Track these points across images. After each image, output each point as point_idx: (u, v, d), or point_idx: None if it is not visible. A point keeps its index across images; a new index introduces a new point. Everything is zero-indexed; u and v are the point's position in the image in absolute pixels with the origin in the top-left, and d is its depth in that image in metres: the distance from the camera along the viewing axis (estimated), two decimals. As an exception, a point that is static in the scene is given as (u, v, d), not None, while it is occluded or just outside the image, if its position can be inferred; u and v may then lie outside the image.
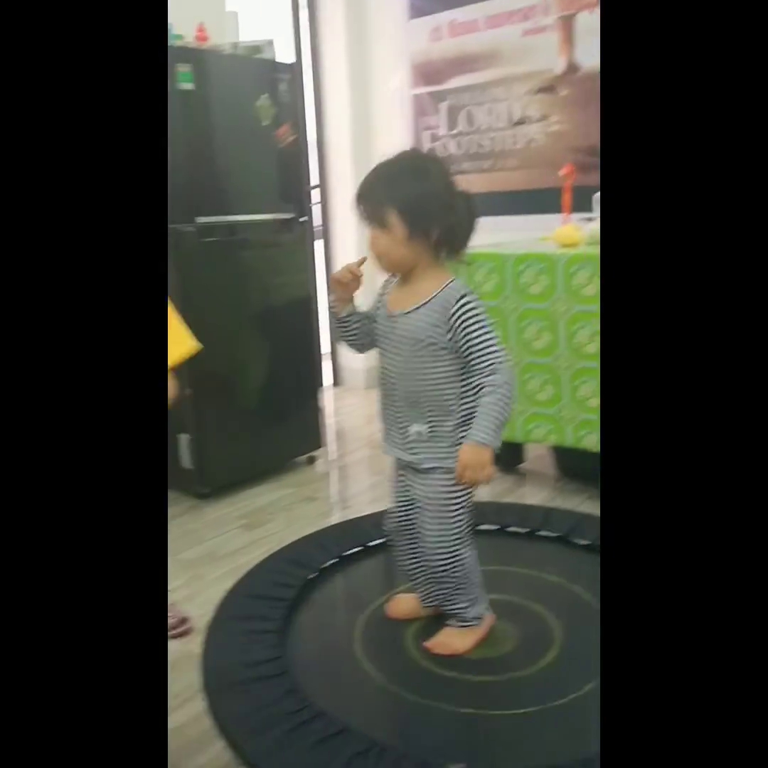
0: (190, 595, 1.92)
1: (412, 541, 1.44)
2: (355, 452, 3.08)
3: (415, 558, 1.45)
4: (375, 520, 1.88)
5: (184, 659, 1.64)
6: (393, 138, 3.61)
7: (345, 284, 1.33)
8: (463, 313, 1.25)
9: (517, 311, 2.35)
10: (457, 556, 1.35)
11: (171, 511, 2.47)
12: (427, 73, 3.45)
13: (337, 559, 1.69)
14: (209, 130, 2.36)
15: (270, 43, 2.55)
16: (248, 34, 2.73)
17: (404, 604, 1.52)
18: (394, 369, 1.33)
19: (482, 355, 1.25)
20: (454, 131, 3.42)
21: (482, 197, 3.25)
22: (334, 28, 3.60)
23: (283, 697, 1.20)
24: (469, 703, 1.24)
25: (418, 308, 1.29)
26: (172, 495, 2.59)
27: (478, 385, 1.26)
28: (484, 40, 3.22)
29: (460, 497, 1.34)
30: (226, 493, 2.59)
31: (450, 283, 1.29)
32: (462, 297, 1.26)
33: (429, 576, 1.42)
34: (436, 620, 1.45)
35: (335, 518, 2.39)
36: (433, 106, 3.47)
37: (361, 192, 1.29)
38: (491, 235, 2.80)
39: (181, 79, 2.24)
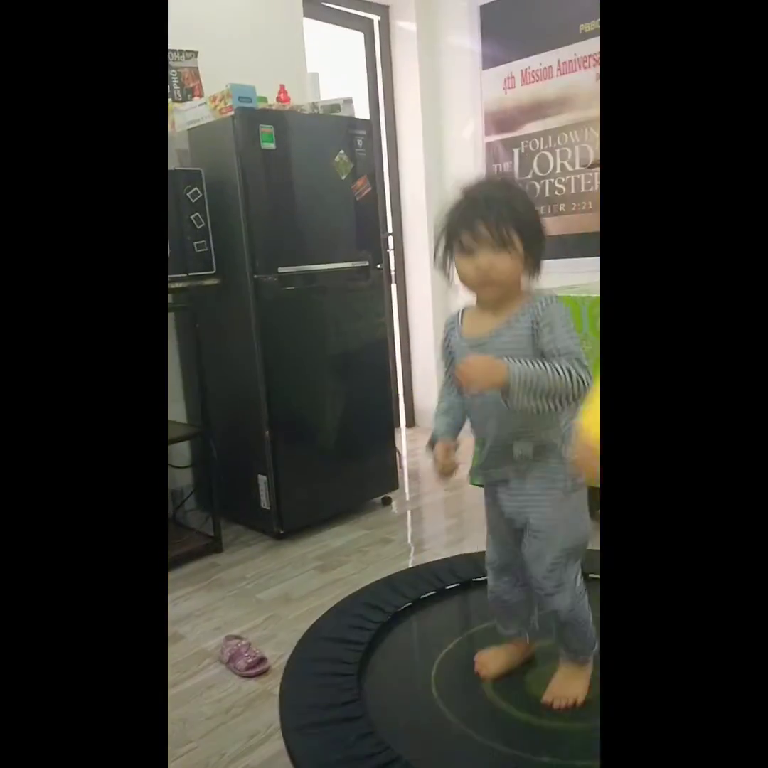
0: (267, 635, 1.96)
1: (515, 576, 1.43)
2: (431, 494, 3.08)
3: (522, 590, 1.43)
4: (450, 564, 1.88)
5: (262, 698, 1.67)
6: (466, 184, 3.68)
7: (449, 472, 1.37)
8: (549, 313, 1.24)
9: (595, 353, 2.33)
10: (569, 582, 1.33)
11: (250, 551, 2.54)
12: (501, 120, 3.51)
13: (411, 603, 1.70)
14: (289, 186, 2.49)
15: (348, 100, 2.67)
16: (329, 93, 2.87)
17: (494, 661, 1.48)
18: (489, 394, 1.27)
19: (562, 354, 1.22)
20: (528, 176, 3.45)
21: (557, 240, 3.28)
22: (409, 81, 3.73)
23: (360, 740, 1.20)
24: (550, 751, 1.21)
25: (508, 326, 1.27)
26: (250, 535, 2.66)
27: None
28: (557, 86, 3.26)
29: (572, 517, 1.32)
30: (303, 533, 2.64)
31: (532, 299, 1.29)
32: (546, 301, 1.26)
33: (543, 605, 1.40)
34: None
35: (411, 561, 2.39)
36: (506, 152, 3.52)
37: (473, 214, 1.24)
38: (566, 276, 2.80)
39: (264, 140, 2.38)
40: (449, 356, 1.40)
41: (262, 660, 1.79)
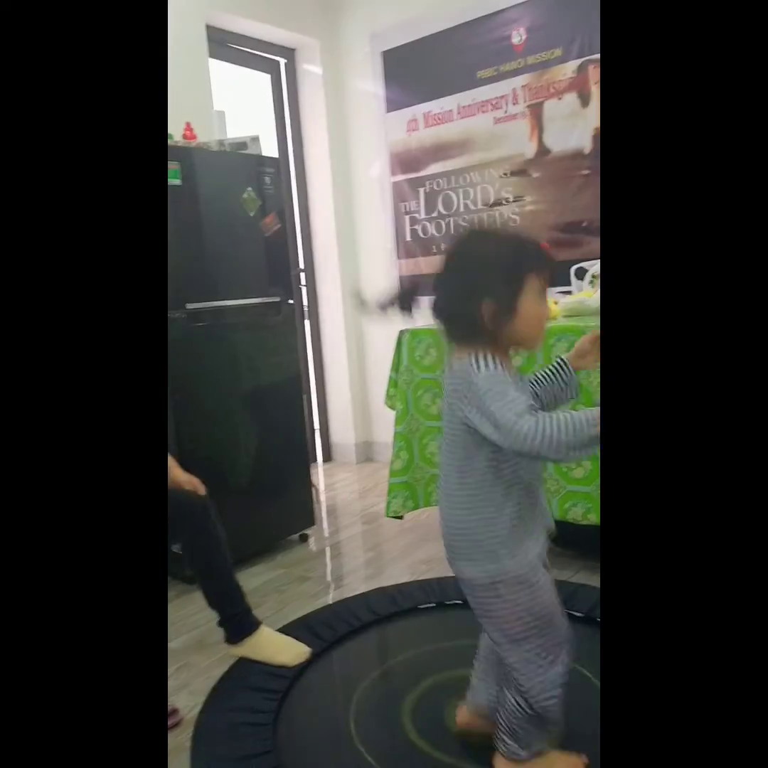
0: (179, 685, 1.87)
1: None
2: (348, 528, 3.06)
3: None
4: (368, 599, 1.87)
5: (174, 752, 1.59)
6: (374, 222, 3.76)
7: None
8: None
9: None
10: None
11: (161, 597, 2.44)
12: (406, 161, 3.62)
13: (328, 644, 1.67)
14: (197, 222, 2.46)
15: (255, 139, 2.69)
16: (235, 131, 2.89)
17: (473, 715, 1.34)
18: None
19: None
20: (434, 214, 3.56)
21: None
22: (316, 121, 3.80)
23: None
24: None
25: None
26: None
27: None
28: (458, 129, 3.40)
29: None
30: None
31: None
32: None
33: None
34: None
35: (330, 598, 2.36)
36: (412, 191, 3.62)
37: (538, 260, 1.14)
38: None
39: (170, 176, 2.35)
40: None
41: (174, 711, 1.71)
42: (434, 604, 1.84)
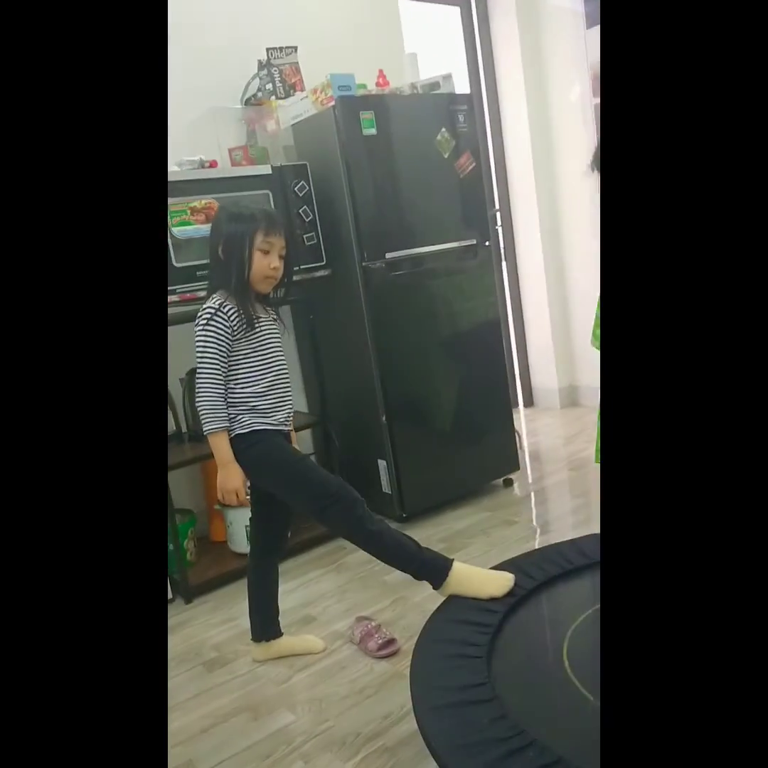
0: (395, 617, 1.98)
1: None
2: (554, 474, 3.00)
3: None
4: (577, 545, 1.81)
5: (394, 679, 1.69)
6: (575, 151, 3.53)
7: None
8: None
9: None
10: None
11: (374, 534, 2.57)
12: (609, 79, 3.33)
13: (539, 584, 1.66)
14: (393, 171, 2.48)
15: (447, 77, 2.62)
16: (428, 71, 2.83)
17: None
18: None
19: None
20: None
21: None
22: (509, 50, 3.61)
23: (494, 723, 1.19)
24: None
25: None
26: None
27: None
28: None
29: None
30: (425, 516, 2.64)
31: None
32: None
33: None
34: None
35: (536, 543, 2.34)
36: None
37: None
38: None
39: (365, 126, 2.38)
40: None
41: (391, 641, 1.82)
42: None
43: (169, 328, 2.30)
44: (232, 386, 1.64)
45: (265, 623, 1.86)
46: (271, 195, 2.32)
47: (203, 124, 2.64)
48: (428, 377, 2.64)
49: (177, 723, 1.66)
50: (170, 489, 2.21)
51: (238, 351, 1.63)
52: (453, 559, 1.65)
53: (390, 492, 2.61)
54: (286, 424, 1.72)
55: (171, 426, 2.43)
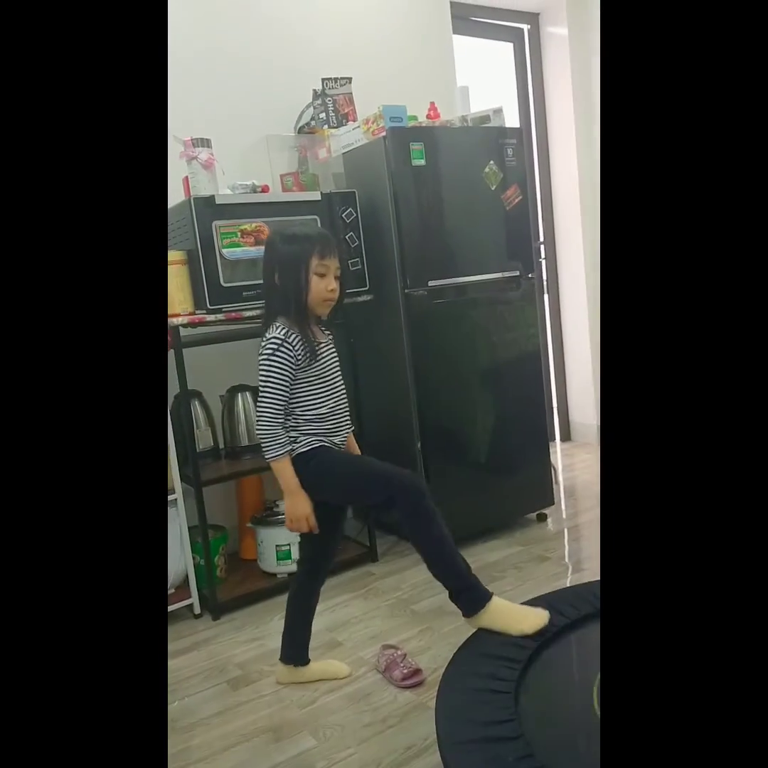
0: (422, 647, 1.96)
1: None
2: (589, 511, 2.95)
3: None
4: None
5: (418, 710, 1.67)
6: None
7: None
8: None
9: None
10: None
11: (404, 561, 2.56)
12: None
13: (570, 623, 1.62)
14: (439, 201, 2.51)
15: (498, 111, 2.66)
16: (479, 104, 2.87)
17: None
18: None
19: None
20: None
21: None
22: (560, 86, 3.65)
23: (519, 761, 1.16)
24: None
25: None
26: (403, 545, 2.69)
27: None
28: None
29: None
30: (458, 546, 2.61)
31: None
32: None
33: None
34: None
35: (568, 580, 2.29)
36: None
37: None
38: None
39: (414, 157, 2.42)
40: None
41: (417, 671, 1.80)
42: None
43: (214, 346, 2.35)
44: (294, 410, 1.65)
45: (295, 647, 1.85)
46: (319, 220, 2.37)
47: (257, 151, 2.72)
48: (466, 406, 2.63)
49: (198, 739, 1.67)
50: (204, 504, 2.24)
51: (301, 379, 1.64)
52: (493, 593, 1.63)
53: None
54: (343, 444, 1.74)
55: (209, 441, 2.47)
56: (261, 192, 2.35)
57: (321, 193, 2.43)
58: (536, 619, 1.56)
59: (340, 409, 1.71)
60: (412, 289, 2.46)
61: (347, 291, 2.46)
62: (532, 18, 3.63)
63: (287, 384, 1.61)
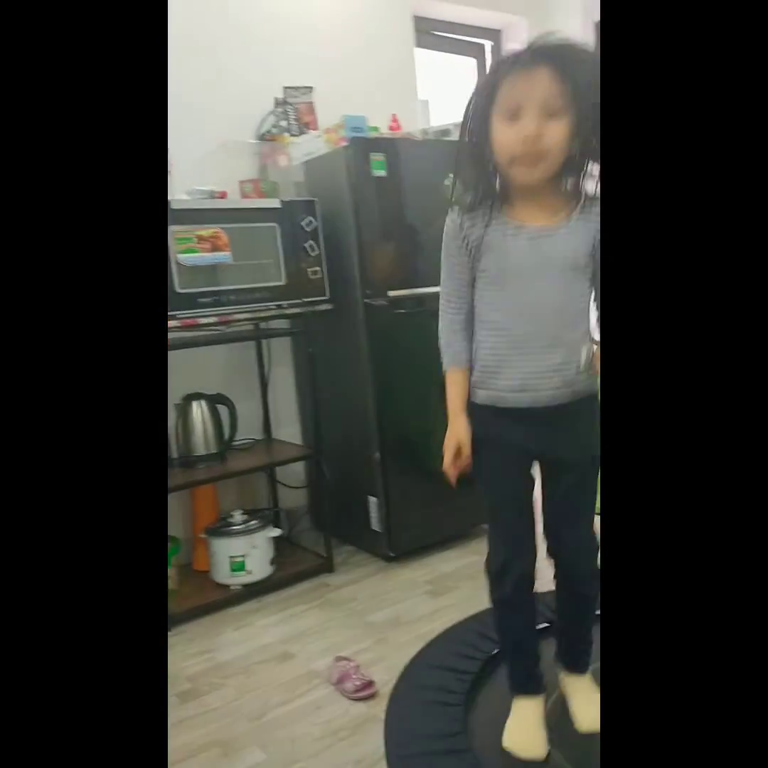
0: (376, 658, 1.95)
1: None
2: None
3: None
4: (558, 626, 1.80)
5: (370, 722, 1.66)
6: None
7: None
8: None
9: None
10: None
11: (361, 572, 2.55)
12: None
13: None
14: (400, 212, 2.52)
15: (458, 125, 2.68)
16: (440, 118, 2.90)
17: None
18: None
19: None
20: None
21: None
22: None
23: (466, 775, 1.16)
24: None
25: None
26: (361, 556, 2.68)
27: None
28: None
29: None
30: (413, 557, 2.62)
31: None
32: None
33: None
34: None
35: (522, 590, 2.31)
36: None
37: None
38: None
39: (375, 168, 2.43)
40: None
41: (370, 683, 1.78)
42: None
43: (168, 353, 2.31)
44: None
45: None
46: (279, 228, 2.36)
47: (217, 156, 2.69)
48: (425, 416, 2.63)
49: (145, 756, 1.62)
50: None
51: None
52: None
53: (379, 530, 2.59)
54: None
55: (163, 450, 2.43)
56: (219, 198, 2.33)
57: (281, 200, 2.42)
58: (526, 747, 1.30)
59: None
60: (371, 299, 2.46)
61: (306, 300, 2.46)
62: (494, 34, 3.68)
63: None
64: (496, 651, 1.56)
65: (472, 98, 1.14)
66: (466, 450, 1.33)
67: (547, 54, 1.02)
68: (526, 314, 1.18)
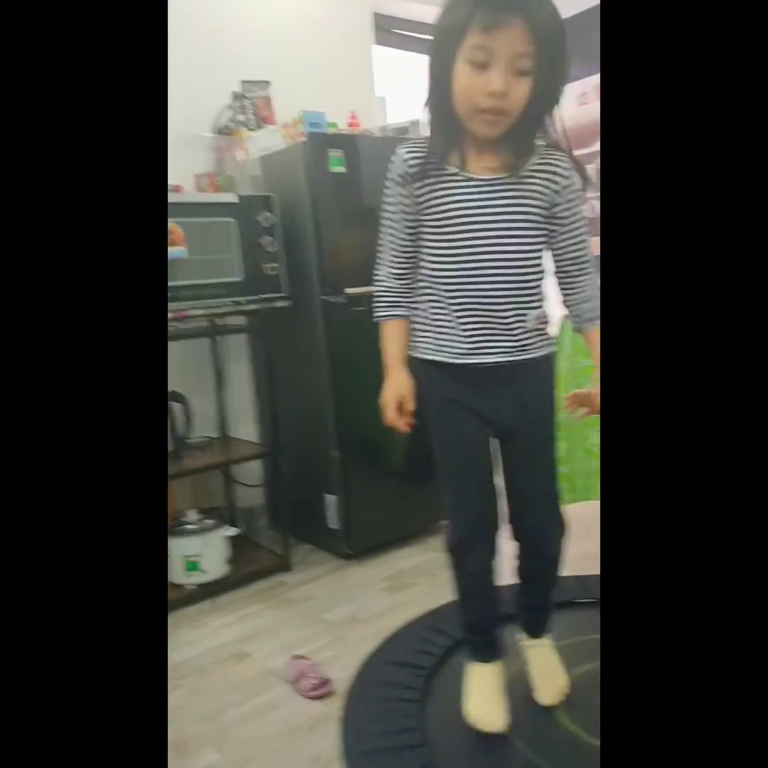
0: (333, 656, 1.94)
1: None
2: (503, 516, 3.00)
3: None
4: (518, 590, 1.82)
5: (326, 721, 1.65)
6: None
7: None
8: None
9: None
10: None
11: (318, 570, 2.54)
12: (577, 136, 3.45)
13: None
14: (359, 208, 2.51)
15: (415, 123, 2.69)
16: (397, 116, 2.91)
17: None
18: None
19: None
20: (595, 194, 3.38)
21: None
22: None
23: (422, 770, 1.17)
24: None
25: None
26: (319, 554, 2.67)
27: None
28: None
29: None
30: (371, 554, 2.62)
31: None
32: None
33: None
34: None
35: (479, 586, 2.33)
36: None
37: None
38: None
39: (333, 164, 2.42)
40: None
41: (326, 682, 1.78)
42: (593, 600, 1.75)
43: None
44: None
45: None
46: (236, 223, 2.33)
47: (173, 149, 2.64)
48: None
49: (96, 761, 1.59)
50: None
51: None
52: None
53: (337, 527, 2.58)
54: None
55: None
56: (174, 192, 2.29)
57: (238, 195, 2.39)
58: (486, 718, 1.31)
59: None
60: (329, 296, 2.45)
61: (264, 296, 2.44)
62: (453, 34, 3.70)
63: None
64: (452, 644, 1.57)
65: (437, 36, 1.05)
66: (409, 404, 1.26)
67: (519, 4, 0.97)
68: (472, 268, 1.12)
